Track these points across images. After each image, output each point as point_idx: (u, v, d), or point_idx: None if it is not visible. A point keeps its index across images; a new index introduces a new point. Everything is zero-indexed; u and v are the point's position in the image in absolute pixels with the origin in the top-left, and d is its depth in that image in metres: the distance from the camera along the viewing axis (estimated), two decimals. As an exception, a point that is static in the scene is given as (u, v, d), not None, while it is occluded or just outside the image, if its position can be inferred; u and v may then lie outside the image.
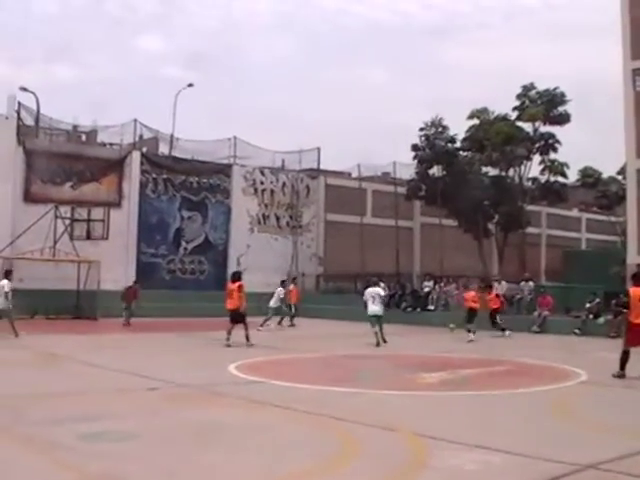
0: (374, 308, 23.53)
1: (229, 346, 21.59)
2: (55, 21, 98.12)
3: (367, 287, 25.05)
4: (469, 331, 26.09)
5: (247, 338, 21.95)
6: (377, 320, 23.44)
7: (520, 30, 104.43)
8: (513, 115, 43.47)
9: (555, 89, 42.80)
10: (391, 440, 9.27)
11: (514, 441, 9.06)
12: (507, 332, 27.78)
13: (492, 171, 44.18)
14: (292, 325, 32.09)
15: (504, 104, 44.08)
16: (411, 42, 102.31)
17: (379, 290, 24.54)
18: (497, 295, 29.30)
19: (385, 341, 23.39)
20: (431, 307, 35.65)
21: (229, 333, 22.12)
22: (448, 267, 41.97)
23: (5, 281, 24.01)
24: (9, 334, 23.05)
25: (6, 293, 23.67)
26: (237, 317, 22.25)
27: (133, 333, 28.37)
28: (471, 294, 27.48)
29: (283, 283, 32.90)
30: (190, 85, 45.30)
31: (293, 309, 32.87)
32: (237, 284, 22.58)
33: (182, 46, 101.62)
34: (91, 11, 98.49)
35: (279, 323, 31.53)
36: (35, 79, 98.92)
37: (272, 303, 31.24)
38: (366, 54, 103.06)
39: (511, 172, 43.90)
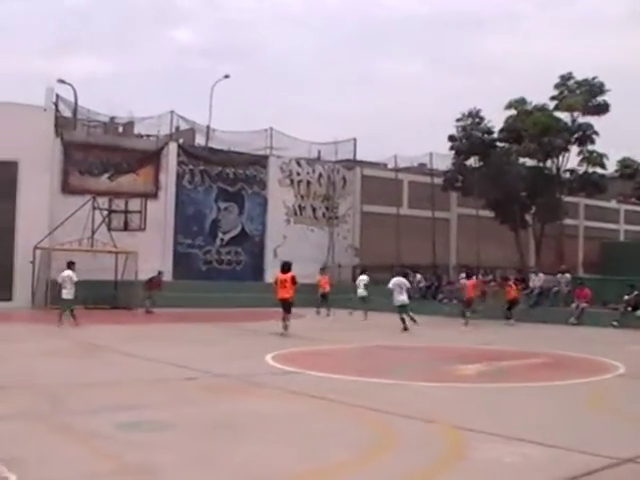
0: (400, 298, 25.54)
1: (285, 335, 22.28)
2: (92, 14, 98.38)
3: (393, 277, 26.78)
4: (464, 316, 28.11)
5: (286, 328, 22.68)
6: (404, 309, 25.37)
7: (557, 19, 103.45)
8: (551, 105, 43.06)
9: (594, 79, 42.32)
10: (428, 432, 9.23)
11: (552, 434, 8.99)
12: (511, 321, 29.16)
13: (529, 162, 43.78)
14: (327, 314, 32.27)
15: (541, 95, 43.80)
16: (446, 33, 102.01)
17: (404, 280, 26.51)
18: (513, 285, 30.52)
19: (415, 320, 25.32)
20: (467, 298, 35.45)
21: (285, 321, 22.95)
22: (485, 258, 41.77)
23: (70, 272, 24.90)
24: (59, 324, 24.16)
25: (75, 283, 24.87)
26: (289, 307, 23.09)
27: (170, 324, 28.51)
28: (472, 282, 29.49)
29: (322, 271, 33.53)
30: (226, 77, 45.45)
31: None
32: (290, 274, 23.19)
33: (218, 38, 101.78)
34: (126, 4, 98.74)
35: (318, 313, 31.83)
36: (72, 71, 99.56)
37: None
38: (401, 45, 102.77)
39: (549, 163, 43.47)
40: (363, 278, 31.90)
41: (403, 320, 25.03)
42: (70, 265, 25.63)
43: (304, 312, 31.15)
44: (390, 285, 26.02)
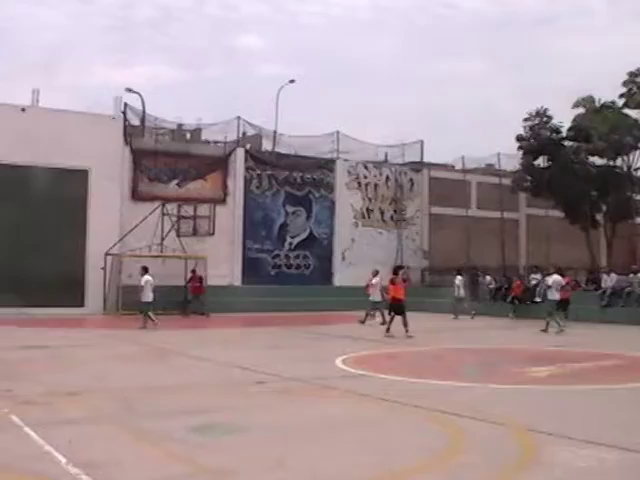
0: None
1: (410, 337, 22.50)
2: (158, 24, 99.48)
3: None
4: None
5: (407, 330, 22.94)
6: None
7: (624, 15, 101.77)
8: (619, 102, 42.41)
9: (664, 74, 41.55)
10: (501, 435, 9.14)
11: (628, 437, 8.84)
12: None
13: (599, 161, 43.10)
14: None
15: (609, 92, 43.01)
16: (511, 32, 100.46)
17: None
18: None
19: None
20: (538, 299, 35.02)
21: (405, 326, 23.02)
22: (555, 259, 41.19)
23: (148, 276, 26.00)
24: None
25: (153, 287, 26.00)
26: (400, 309, 23.34)
27: (240, 328, 28.70)
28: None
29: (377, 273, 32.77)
30: (292, 81, 45.50)
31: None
32: (403, 278, 24.49)
33: (283, 43, 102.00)
34: (192, 12, 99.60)
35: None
36: (140, 81, 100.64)
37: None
38: (466, 46, 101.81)
39: (619, 161, 42.75)
40: (459, 279, 31.97)
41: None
42: (146, 270, 26.47)
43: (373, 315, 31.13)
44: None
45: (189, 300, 33.90)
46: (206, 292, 34.22)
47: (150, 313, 25.62)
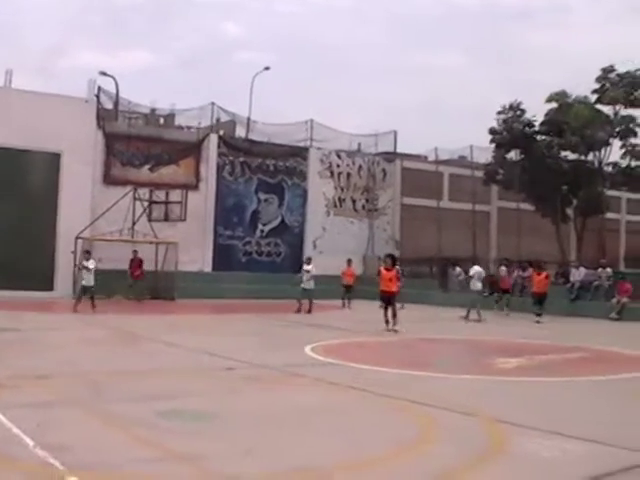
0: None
1: (396, 331, 21.36)
2: (136, 7, 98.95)
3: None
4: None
5: (395, 323, 21.69)
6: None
7: (603, 13, 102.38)
8: (593, 98, 42.69)
9: (636, 71, 41.82)
10: (469, 425, 9.22)
11: (592, 428, 8.95)
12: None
13: (571, 155, 43.39)
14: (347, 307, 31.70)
15: (585, 88, 43.28)
16: (489, 26, 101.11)
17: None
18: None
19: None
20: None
21: (387, 321, 21.79)
22: (525, 252, 41.49)
23: (93, 260, 26.35)
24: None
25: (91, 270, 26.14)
26: (391, 300, 21.93)
27: (210, 314, 28.68)
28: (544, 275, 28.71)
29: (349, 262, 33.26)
30: (267, 68, 45.56)
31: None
32: (396, 269, 22.98)
33: (259, 29, 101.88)
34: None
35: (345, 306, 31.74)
36: (114, 64, 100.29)
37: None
38: (445, 38, 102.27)
39: (590, 156, 43.11)
40: (478, 270, 30.40)
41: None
42: (88, 253, 27.03)
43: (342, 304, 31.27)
44: None
45: (130, 285, 33.33)
46: (144, 277, 33.84)
47: (90, 298, 25.88)
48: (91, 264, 26.17)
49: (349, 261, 34.07)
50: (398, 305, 22.56)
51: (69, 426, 8.46)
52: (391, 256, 23.31)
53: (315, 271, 29.14)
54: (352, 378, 12.42)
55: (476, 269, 28.81)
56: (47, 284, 32.90)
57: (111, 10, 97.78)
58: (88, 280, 25.97)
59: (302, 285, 28.55)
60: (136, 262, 33.96)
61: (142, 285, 33.56)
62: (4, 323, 20.37)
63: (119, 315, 25.78)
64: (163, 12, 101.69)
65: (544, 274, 28.76)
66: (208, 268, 39.37)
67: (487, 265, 41.28)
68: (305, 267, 29.22)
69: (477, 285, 28.28)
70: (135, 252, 34.15)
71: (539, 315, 27.16)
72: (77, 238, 33.12)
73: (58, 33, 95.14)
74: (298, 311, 27.82)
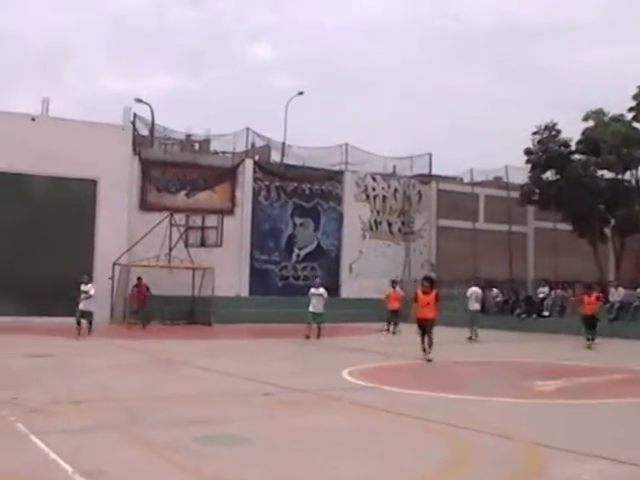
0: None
1: (430, 360, 19.52)
2: (168, 36, 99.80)
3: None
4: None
5: (430, 352, 19.81)
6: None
7: (636, 29, 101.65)
8: (629, 116, 42.36)
9: (675, 88, 41.42)
10: (506, 448, 9.10)
11: (630, 451, 8.79)
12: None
13: (608, 174, 43.08)
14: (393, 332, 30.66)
15: (619, 105, 42.96)
16: (520, 44, 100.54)
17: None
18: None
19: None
20: (546, 313, 34.99)
21: (425, 344, 19.87)
22: (563, 273, 41.18)
23: (90, 285, 26.25)
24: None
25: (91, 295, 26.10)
26: (428, 328, 19.83)
27: (247, 339, 28.68)
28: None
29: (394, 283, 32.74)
30: (300, 93, 45.62)
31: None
32: (435, 293, 20.19)
33: (292, 54, 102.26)
34: (202, 23, 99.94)
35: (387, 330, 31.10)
36: (149, 92, 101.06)
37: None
38: (472, 58, 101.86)
39: (628, 175, 42.79)
40: (475, 290, 29.52)
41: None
42: (88, 277, 26.95)
43: (379, 327, 31.15)
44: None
45: (135, 310, 32.91)
46: (146, 305, 32.71)
47: (89, 323, 25.94)
48: (91, 289, 26.04)
49: (393, 283, 33.09)
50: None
51: (106, 451, 8.47)
52: (429, 279, 21.31)
53: (326, 294, 27.89)
54: (389, 402, 12.36)
55: (473, 289, 29.07)
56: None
57: (140, 35, 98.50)
58: (86, 305, 25.79)
59: (310, 309, 27.10)
60: (141, 288, 33.26)
61: (146, 310, 32.66)
62: (40, 349, 20.56)
63: (155, 340, 25.88)
64: (195, 37, 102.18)
65: (594, 295, 26.80)
66: (245, 293, 39.48)
67: (526, 286, 41.11)
68: (313, 291, 27.70)
69: (475, 306, 28.65)
70: (139, 279, 33.58)
71: (591, 339, 25.64)
72: (114, 264, 33.36)
73: (91, 59, 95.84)
74: (307, 337, 26.36)
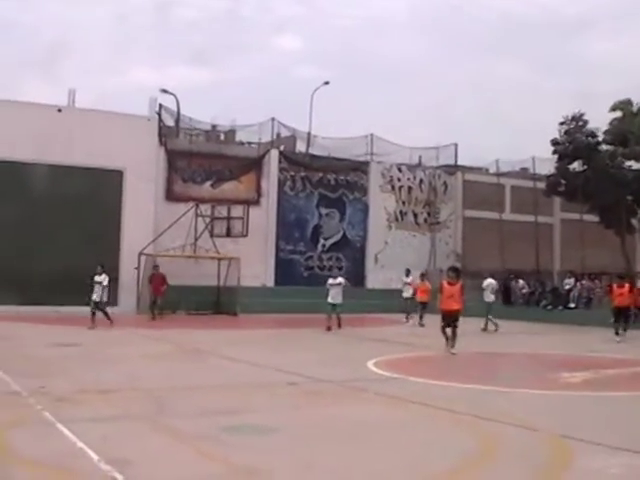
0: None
1: (453, 354, 18.81)
2: (193, 26, 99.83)
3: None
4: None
5: (453, 345, 19.09)
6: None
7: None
8: (657, 107, 41.98)
9: (703, 79, 41.13)
10: (533, 440, 9.08)
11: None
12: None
13: (635, 165, 42.74)
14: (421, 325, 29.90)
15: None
16: (548, 35, 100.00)
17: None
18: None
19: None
20: (572, 305, 34.86)
21: (448, 339, 19.17)
22: (589, 264, 40.99)
23: (104, 275, 25.86)
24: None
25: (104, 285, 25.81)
26: (454, 320, 19.11)
27: (272, 329, 28.75)
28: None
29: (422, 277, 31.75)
30: (326, 83, 45.47)
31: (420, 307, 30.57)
32: (460, 284, 19.42)
33: (318, 45, 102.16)
34: (228, 14, 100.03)
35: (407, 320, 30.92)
36: (175, 82, 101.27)
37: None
38: (503, 48, 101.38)
39: (656, 166, 42.46)
40: (491, 282, 29.15)
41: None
42: (101, 267, 26.13)
43: (405, 317, 31.10)
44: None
45: (154, 301, 31.34)
46: (165, 295, 31.41)
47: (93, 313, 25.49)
48: (105, 280, 25.83)
49: (422, 275, 32.28)
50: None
51: (133, 440, 8.52)
52: (455, 269, 20.60)
53: (345, 282, 27.54)
54: (414, 393, 12.35)
55: (489, 281, 28.83)
56: (111, 300, 33.14)
57: (165, 26, 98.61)
58: (98, 295, 25.60)
59: (329, 300, 26.50)
60: (158, 278, 31.74)
61: (166, 301, 31.91)
62: (68, 338, 20.68)
63: (181, 330, 25.97)
64: (218, 28, 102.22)
65: (627, 286, 25.62)
66: (270, 283, 39.53)
67: (552, 277, 40.92)
68: (331, 281, 27.16)
69: (490, 297, 28.45)
70: (156, 267, 32.48)
71: (618, 333, 24.53)
72: (140, 254, 33.48)
73: (113, 51, 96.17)
74: (329, 329, 25.98)
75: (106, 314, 25.69)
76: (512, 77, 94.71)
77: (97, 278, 25.77)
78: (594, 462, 7.99)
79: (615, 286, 25.91)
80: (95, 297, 25.60)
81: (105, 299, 26.00)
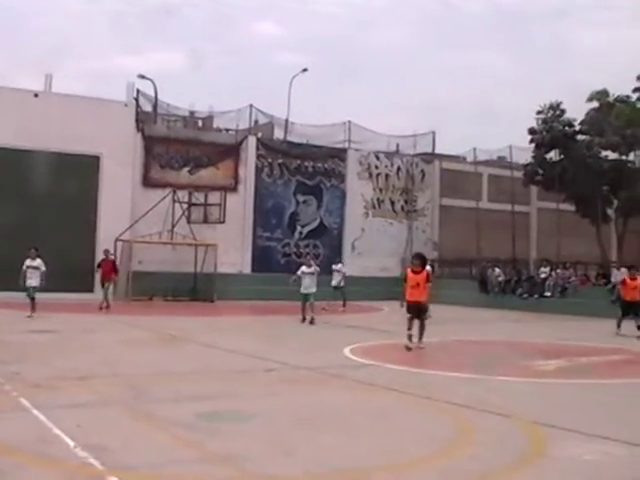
0: None
1: (422, 348, 17.36)
2: (172, 11, 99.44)
3: None
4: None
5: (421, 338, 17.43)
6: None
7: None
8: (634, 97, 42.19)
9: (680, 69, 41.27)
10: (508, 427, 9.15)
11: (634, 432, 8.85)
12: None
13: (612, 155, 42.91)
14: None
15: (626, 87, 42.77)
16: (527, 24, 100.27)
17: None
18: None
19: None
20: (547, 294, 35.02)
21: (411, 330, 17.25)
22: (565, 253, 41.16)
23: (38, 260, 24.42)
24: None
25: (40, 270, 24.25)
26: (420, 312, 17.37)
27: (249, 316, 28.75)
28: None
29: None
30: (304, 70, 45.38)
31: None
32: (425, 273, 17.71)
33: (297, 32, 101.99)
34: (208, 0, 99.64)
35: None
36: (152, 68, 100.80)
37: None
38: (483, 37, 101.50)
39: (632, 156, 42.64)
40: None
41: None
42: (35, 250, 24.61)
43: (382, 305, 31.19)
44: None
45: (104, 287, 28.94)
46: (115, 279, 29.74)
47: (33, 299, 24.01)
48: (42, 265, 24.26)
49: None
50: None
51: (109, 427, 8.50)
52: (420, 256, 18.43)
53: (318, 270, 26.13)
54: (391, 380, 12.40)
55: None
56: (87, 286, 33.05)
57: (143, 12, 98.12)
58: (37, 281, 24.00)
59: (302, 290, 24.77)
60: (108, 263, 29.50)
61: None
62: (44, 325, 20.60)
63: (158, 317, 25.92)
64: (197, 13, 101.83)
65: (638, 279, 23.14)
66: (247, 270, 39.51)
67: (528, 266, 41.11)
68: (304, 269, 25.49)
69: None
70: (107, 251, 29.98)
71: (620, 326, 23.08)
72: (117, 240, 33.40)
73: (95, 37, 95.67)
74: (303, 320, 24.33)
75: (32, 300, 23.92)
76: (490, 66, 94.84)
77: (31, 262, 24.31)
78: (568, 448, 8.06)
79: (628, 278, 23.59)
80: (33, 282, 24.02)
81: (35, 284, 24.09)
